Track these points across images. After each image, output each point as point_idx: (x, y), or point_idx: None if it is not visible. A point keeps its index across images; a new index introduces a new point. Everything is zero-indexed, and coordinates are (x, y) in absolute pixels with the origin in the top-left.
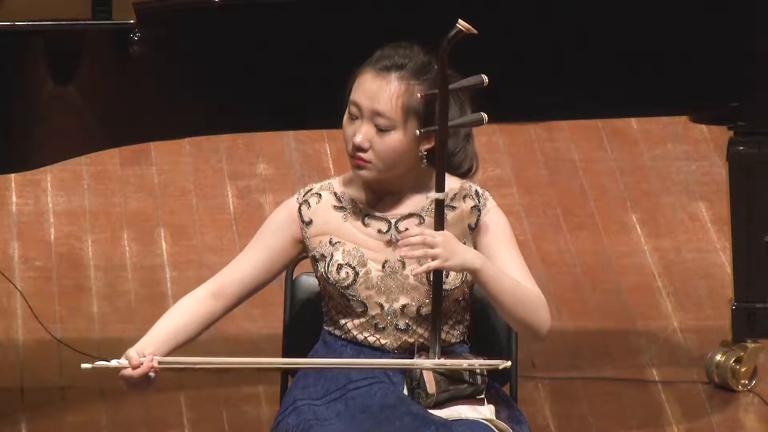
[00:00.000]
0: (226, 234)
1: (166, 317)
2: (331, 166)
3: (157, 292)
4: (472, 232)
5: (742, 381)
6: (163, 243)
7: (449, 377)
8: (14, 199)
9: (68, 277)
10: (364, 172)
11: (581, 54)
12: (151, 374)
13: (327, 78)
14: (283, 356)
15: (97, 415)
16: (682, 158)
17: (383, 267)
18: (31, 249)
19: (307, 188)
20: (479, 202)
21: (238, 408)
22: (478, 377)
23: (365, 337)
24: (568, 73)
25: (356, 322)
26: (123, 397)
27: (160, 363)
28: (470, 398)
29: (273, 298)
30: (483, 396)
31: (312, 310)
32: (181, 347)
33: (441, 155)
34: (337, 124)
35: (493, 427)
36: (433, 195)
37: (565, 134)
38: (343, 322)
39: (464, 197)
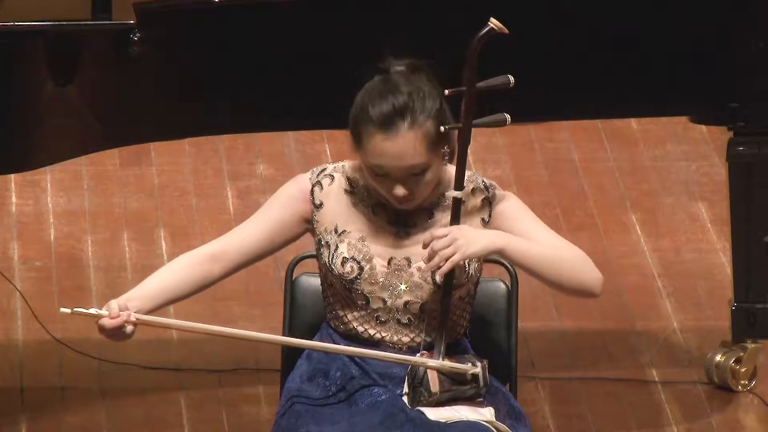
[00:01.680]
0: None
1: (160, 273)
2: None
3: None
4: (486, 225)
5: (742, 381)
6: (163, 243)
7: (452, 377)
8: (14, 199)
9: (68, 277)
10: (406, 205)
11: (581, 54)
12: (129, 328)
13: (327, 78)
14: (282, 357)
15: (97, 415)
16: (682, 158)
17: (389, 264)
18: (31, 249)
19: (321, 168)
20: (488, 194)
21: (238, 408)
22: (481, 379)
23: (365, 329)
24: (568, 73)
25: (356, 314)
26: (123, 397)
27: (138, 319)
28: (471, 399)
29: (273, 298)
30: (482, 398)
31: (312, 310)
32: (171, 304)
33: (462, 154)
34: (337, 124)
35: (493, 429)
36: (452, 193)
37: (565, 134)
38: (342, 313)
39: (473, 190)
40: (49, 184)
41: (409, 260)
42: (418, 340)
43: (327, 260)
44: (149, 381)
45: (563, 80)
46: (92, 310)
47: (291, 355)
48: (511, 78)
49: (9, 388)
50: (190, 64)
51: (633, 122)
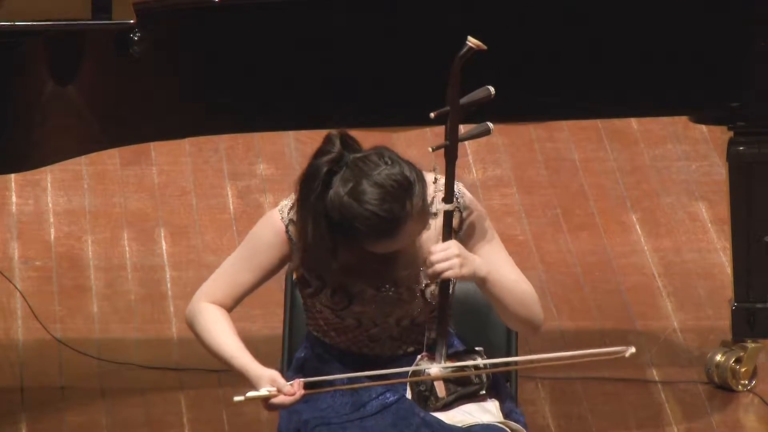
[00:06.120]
0: (226, 234)
1: (225, 329)
2: None
3: (157, 292)
4: (456, 236)
5: (742, 381)
6: (163, 243)
7: (457, 380)
8: (14, 199)
9: (68, 277)
10: None
11: (581, 54)
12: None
13: (327, 78)
14: (282, 356)
15: (97, 415)
16: (682, 158)
17: (377, 288)
18: (31, 249)
19: (288, 204)
20: (458, 203)
21: (238, 408)
22: (483, 375)
23: (359, 349)
24: (568, 73)
25: (349, 336)
26: (123, 397)
27: (306, 386)
28: (474, 395)
29: (273, 298)
30: (485, 392)
31: None
32: None
33: (450, 170)
34: (337, 123)
35: (507, 429)
36: (443, 206)
37: (565, 134)
38: (333, 333)
39: (442, 200)
40: (49, 184)
41: (396, 282)
42: (410, 350)
43: (315, 292)
44: (149, 381)
45: (563, 80)
46: (263, 391)
47: (291, 353)
48: (492, 89)
49: (9, 388)
50: (190, 64)
51: (633, 122)
